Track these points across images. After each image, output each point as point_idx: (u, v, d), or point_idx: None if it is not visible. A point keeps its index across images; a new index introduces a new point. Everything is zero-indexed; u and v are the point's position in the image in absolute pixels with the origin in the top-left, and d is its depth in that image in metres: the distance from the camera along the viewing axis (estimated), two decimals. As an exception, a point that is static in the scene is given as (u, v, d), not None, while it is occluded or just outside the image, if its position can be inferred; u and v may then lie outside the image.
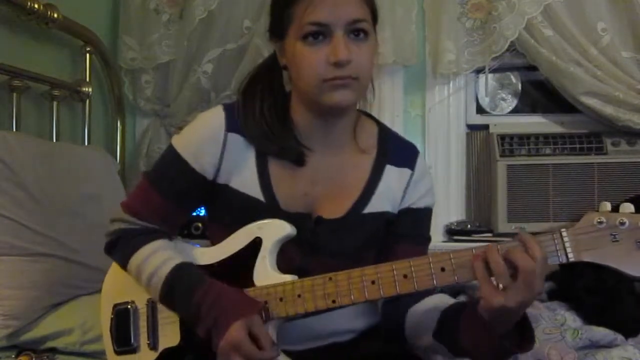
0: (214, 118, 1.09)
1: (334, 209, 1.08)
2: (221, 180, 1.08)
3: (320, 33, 0.98)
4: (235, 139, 1.07)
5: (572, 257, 0.86)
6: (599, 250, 0.85)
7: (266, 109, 1.07)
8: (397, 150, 1.14)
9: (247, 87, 1.11)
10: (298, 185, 1.09)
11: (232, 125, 1.07)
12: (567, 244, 0.86)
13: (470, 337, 0.93)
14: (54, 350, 1.47)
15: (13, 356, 1.41)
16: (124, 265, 1.10)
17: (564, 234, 0.87)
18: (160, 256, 1.06)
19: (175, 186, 1.09)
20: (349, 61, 0.97)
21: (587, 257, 0.86)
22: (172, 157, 1.09)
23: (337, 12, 0.97)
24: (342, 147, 1.11)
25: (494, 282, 0.85)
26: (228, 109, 1.09)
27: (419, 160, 1.14)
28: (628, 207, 0.86)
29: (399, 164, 1.12)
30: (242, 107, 1.08)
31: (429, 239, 1.16)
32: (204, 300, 0.98)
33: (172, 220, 1.12)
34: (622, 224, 0.85)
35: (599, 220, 0.85)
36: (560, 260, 0.87)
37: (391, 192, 1.11)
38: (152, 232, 1.10)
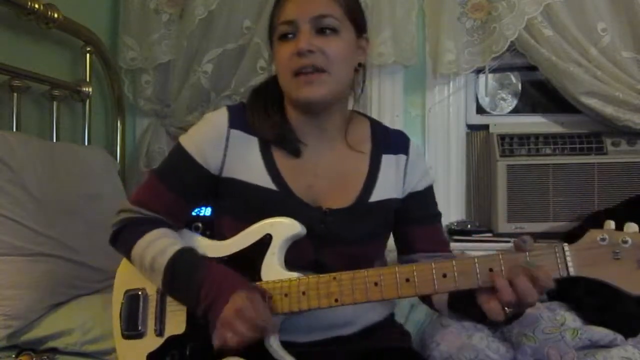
0: (218, 116, 1.15)
1: (340, 200, 1.12)
2: (227, 174, 1.13)
3: (290, 32, 1.08)
4: (238, 134, 1.13)
5: (572, 272, 0.87)
6: (599, 267, 0.86)
7: (270, 111, 1.15)
8: (389, 140, 1.21)
9: (254, 95, 1.19)
10: (302, 176, 1.13)
11: (235, 122, 1.14)
12: (568, 259, 0.87)
13: (476, 315, 0.98)
14: (54, 351, 1.47)
15: (13, 356, 1.41)
16: (127, 251, 1.13)
17: (566, 248, 0.88)
18: (163, 241, 1.09)
19: (182, 180, 1.14)
20: (310, 51, 1.04)
21: (587, 273, 0.87)
22: (178, 153, 1.15)
23: (301, 8, 1.07)
24: (335, 143, 1.17)
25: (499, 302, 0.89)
26: (232, 108, 1.16)
27: (412, 145, 1.22)
28: (632, 227, 0.87)
29: (394, 151, 1.19)
30: (250, 111, 1.16)
31: (439, 214, 1.24)
32: (207, 276, 1.02)
33: (177, 213, 1.16)
34: (625, 242, 0.85)
35: (601, 237, 0.86)
36: (561, 274, 0.88)
37: (392, 180, 1.17)
38: (157, 221, 1.13)
